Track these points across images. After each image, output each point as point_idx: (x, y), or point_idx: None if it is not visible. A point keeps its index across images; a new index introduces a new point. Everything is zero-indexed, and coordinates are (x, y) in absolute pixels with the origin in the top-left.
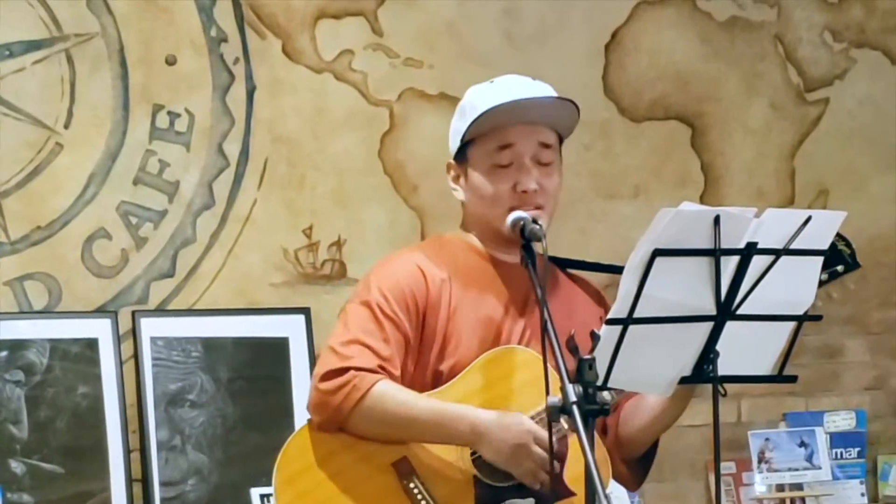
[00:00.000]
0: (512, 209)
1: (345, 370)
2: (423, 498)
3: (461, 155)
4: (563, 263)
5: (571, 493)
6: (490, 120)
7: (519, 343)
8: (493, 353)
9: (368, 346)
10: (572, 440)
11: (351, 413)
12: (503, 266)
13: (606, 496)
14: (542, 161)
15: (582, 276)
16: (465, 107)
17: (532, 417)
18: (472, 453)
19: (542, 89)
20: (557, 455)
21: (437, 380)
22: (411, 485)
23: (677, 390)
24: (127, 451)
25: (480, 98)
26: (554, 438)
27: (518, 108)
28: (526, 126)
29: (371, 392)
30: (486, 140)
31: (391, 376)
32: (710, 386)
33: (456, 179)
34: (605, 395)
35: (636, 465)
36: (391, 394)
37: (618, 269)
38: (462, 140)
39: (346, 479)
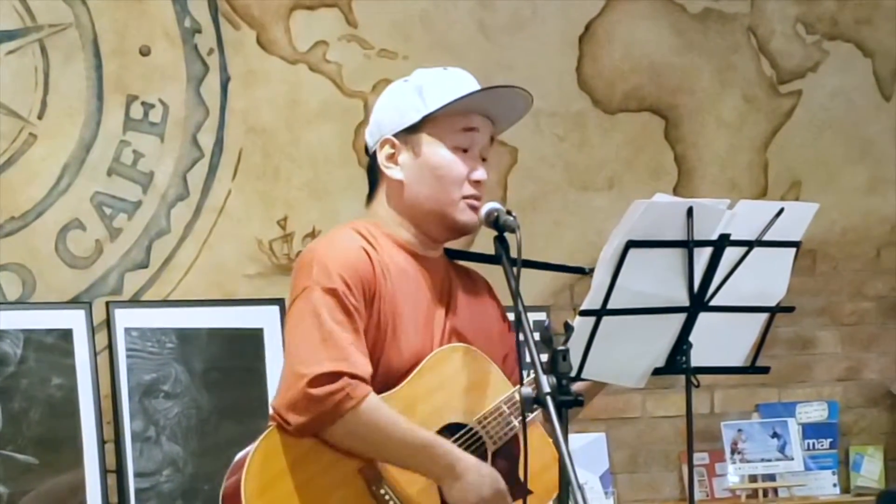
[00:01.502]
0: (464, 197)
1: (338, 375)
2: (394, 503)
3: (407, 132)
4: (531, 265)
5: (528, 492)
6: (460, 103)
7: (443, 334)
8: (441, 353)
9: (350, 343)
10: (530, 434)
11: (338, 422)
12: (424, 260)
13: (580, 486)
14: (485, 156)
15: (469, 266)
16: (424, 86)
17: (488, 415)
18: None
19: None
20: (509, 458)
21: (375, 370)
22: (381, 490)
23: (586, 387)
24: (101, 443)
25: (444, 80)
26: (504, 439)
27: (485, 98)
28: (483, 118)
29: (362, 405)
30: (451, 120)
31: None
32: (683, 377)
33: (392, 158)
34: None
35: None
36: (380, 411)
37: (579, 270)
38: (427, 115)
39: (316, 488)
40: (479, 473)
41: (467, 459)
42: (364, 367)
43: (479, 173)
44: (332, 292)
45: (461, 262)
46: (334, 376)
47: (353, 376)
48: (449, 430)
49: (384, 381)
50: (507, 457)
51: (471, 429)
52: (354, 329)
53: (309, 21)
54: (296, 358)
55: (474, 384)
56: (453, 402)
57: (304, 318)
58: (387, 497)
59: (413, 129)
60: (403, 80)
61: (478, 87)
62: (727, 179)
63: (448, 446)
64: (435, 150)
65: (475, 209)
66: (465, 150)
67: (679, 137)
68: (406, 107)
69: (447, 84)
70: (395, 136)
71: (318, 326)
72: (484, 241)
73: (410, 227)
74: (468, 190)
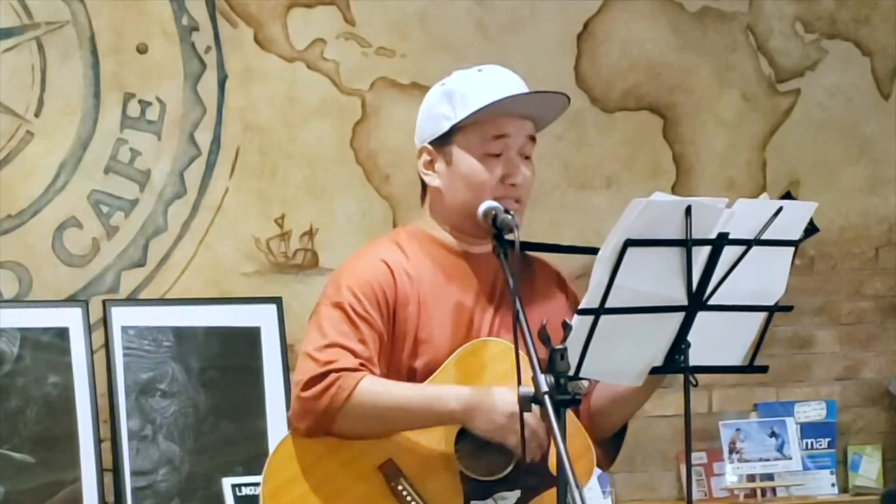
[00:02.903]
0: (495, 199)
1: (326, 374)
2: (413, 499)
3: (440, 141)
4: (536, 248)
5: (556, 482)
6: (488, 109)
7: (490, 333)
8: (469, 347)
9: (346, 348)
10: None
11: (339, 414)
12: (472, 257)
13: (578, 486)
14: (526, 154)
15: (542, 258)
16: (454, 92)
17: None
18: (456, 450)
19: (523, 84)
20: (543, 441)
21: (412, 378)
22: (399, 486)
23: (635, 392)
24: (98, 441)
25: (474, 86)
26: (538, 421)
27: (518, 100)
28: (519, 119)
29: (357, 389)
30: (480, 127)
31: (372, 373)
32: (681, 376)
33: (429, 165)
34: (583, 382)
35: (608, 444)
36: (377, 387)
37: (592, 251)
38: (454, 125)
39: (334, 486)
40: (492, 397)
41: (475, 390)
42: (352, 361)
43: (514, 177)
44: (338, 305)
45: (530, 254)
46: (323, 375)
47: (340, 370)
48: None
49: (425, 379)
50: (539, 444)
51: None
52: (359, 339)
53: (306, 19)
54: (296, 369)
55: (503, 376)
56: None
57: (309, 332)
58: (405, 493)
59: (445, 138)
60: (440, 84)
61: (512, 84)
62: (725, 178)
63: (451, 391)
64: (465, 159)
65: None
66: (497, 155)
67: (677, 136)
68: (438, 114)
69: (478, 89)
70: (431, 143)
71: (320, 339)
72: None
73: (453, 228)
74: (500, 192)
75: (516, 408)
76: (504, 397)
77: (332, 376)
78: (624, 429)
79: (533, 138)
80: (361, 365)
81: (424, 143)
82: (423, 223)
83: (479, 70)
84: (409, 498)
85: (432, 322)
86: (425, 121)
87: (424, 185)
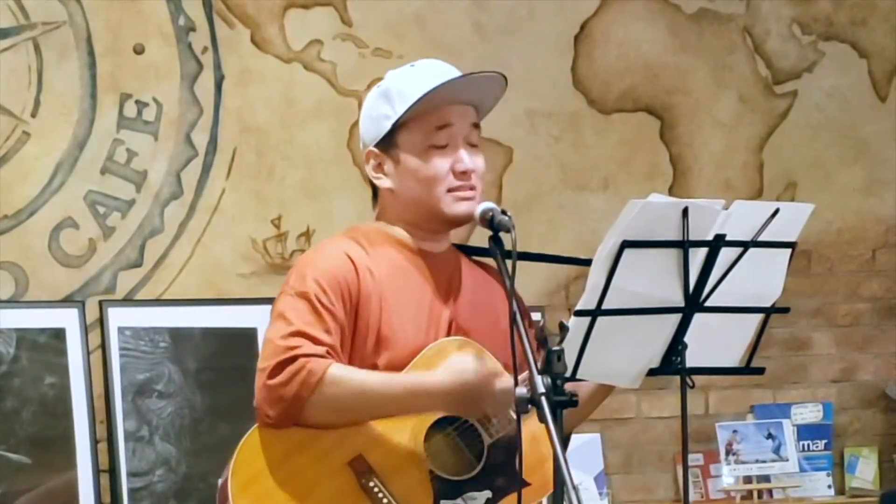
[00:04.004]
0: (450, 190)
1: (293, 359)
2: (384, 496)
3: (385, 141)
4: (533, 258)
5: (526, 483)
6: (427, 100)
7: (448, 331)
8: (437, 346)
9: (311, 337)
10: (529, 426)
11: (310, 399)
12: (428, 255)
13: (575, 487)
14: (472, 142)
15: (485, 260)
16: (390, 91)
17: None
18: (426, 449)
19: (458, 73)
20: (506, 450)
21: (375, 369)
22: (370, 483)
23: (596, 387)
24: (94, 442)
25: (409, 81)
26: (500, 432)
27: (455, 88)
28: (460, 106)
29: (326, 375)
30: (422, 121)
31: (339, 360)
32: (678, 377)
33: (378, 168)
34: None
35: None
36: (346, 374)
37: (586, 262)
38: (394, 124)
39: (304, 481)
40: (472, 387)
41: (453, 381)
42: (318, 348)
43: (462, 164)
44: (303, 295)
45: (477, 258)
46: (289, 361)
47: (308, 356)
48: (444, 423)
49: None
50: (504, 449)
51: (466, 421)
52: (325, 329)
53: (303, 20)
54: (260, 357)
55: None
56: None
57: (272, 321)
58: (376, 489)
59: (389, 137)
60: (377, 86)
61: (448, 75)
62: (722, 180)
63: (429, 380)
64: (412, 155)
65: (467, 199)
66: (444, 146)
67: (674, 138)
68: (378, 116)
69: (413, 83)
70: (377, 146)
71: (284, 327)
72: (481, 239)
73: (409, 226)
74: (453, 182)
75: (479, 386)
76: (482, 388)
77: (301, 361)
78: (567, 436)
79: (477, 125)
80: (327, 352)
81: (370, 147)
82: (379, 222)
83: (413, 65)
84: (380, 495)
85: (393, 319)
86: (367, 124)
87: (375, 189)
